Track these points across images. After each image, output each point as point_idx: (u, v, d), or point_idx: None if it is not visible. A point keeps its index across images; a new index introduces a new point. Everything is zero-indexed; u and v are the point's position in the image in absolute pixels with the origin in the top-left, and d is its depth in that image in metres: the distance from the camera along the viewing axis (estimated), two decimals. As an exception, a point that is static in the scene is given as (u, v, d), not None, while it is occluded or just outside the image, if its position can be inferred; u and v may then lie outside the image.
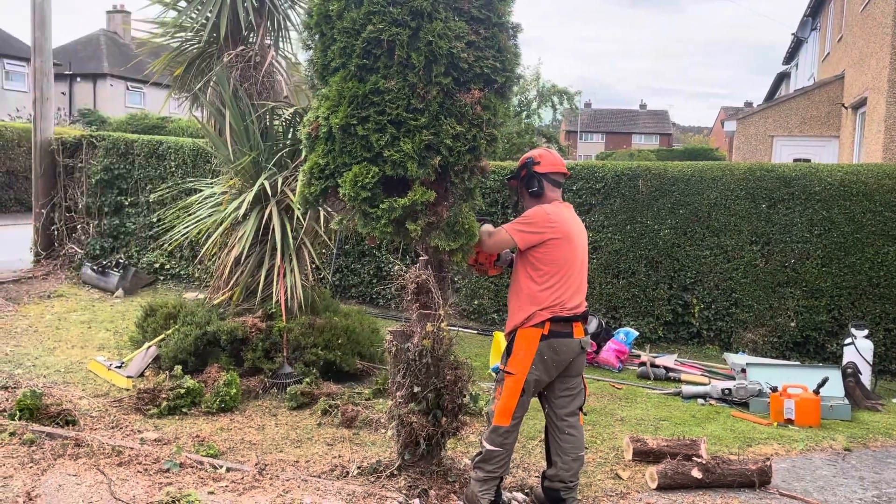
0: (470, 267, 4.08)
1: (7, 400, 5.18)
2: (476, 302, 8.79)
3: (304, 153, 3.91)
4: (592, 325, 7.61)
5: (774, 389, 5.99)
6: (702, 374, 7.09)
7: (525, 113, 20.23)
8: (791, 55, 25.51)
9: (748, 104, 49.89)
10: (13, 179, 18.57)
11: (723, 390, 6.32)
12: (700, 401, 6.37)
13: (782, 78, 27.94)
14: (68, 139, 10.65)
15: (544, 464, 4.10)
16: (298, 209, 6.09)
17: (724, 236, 7.94)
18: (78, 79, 35.49)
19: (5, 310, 8.35)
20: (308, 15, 3.85)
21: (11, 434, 4.49)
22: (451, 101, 3.64)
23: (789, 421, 5.81)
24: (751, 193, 7.86)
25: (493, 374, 5.69)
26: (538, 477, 4.17)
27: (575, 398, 3.90)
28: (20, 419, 4.75)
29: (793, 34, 22.74)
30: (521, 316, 3.78)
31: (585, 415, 4.04)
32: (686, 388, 6.54)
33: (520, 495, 4.06)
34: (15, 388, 5.55)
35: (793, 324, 7.72)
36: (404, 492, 3.97)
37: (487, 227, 3.97)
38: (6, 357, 6.50)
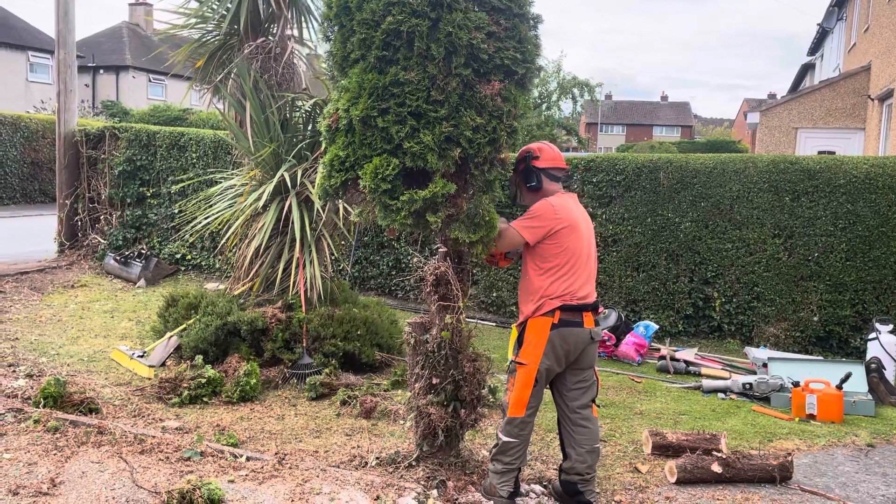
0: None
1: (32, 388, 5.26)
2: (495, 294, 8.78)
3: (324, 145, 3.91)
4: (612, 318, 7.58)
5: (796, 384, 5.93)
6: (722, 369, 7.03)
7: (545, 105, 20.09)
8: (816, 46, 25.12)
9: (772, 96, 49.21)
10: (38, 171, 18.84)
11: (744, 385, 6.27)
12: (720, 395, 6.32)
13: (807, 69, 27.53)
14: (91, 131, 10.76)
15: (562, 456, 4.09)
16: (318, 201, 6.14)
17: (747, 229, 7.85)
18: (101, 71, 35.84)
19: (30, 299, 8.48)
20: (328, 6, 3.84)
21: (36, 421, 4.56)
22: (471, 93, 3.62)
23: (811, 416, 5.74)
24: (774, 186, 7.76)
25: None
26: (556, 469, 4.16)
27: (587, 390, 3.88)
28: (44, 407, 4.82)
29: (818, 24, 22.39)
30: (531, 306, 3.79)
31: (599, 407, 4.03)
32: (706, 383, 6.49)
33: (538, 487, 4.06)
34: (39, 376, 5.64)
35: (816, 318, 7.63)
36: (422, 482, 3.98)
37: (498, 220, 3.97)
38: (31, 345, 6.60)
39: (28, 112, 22.51)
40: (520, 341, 3.84)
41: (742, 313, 7.90)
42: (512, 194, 4.15)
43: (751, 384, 6.23)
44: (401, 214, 3.64)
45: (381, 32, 3.59)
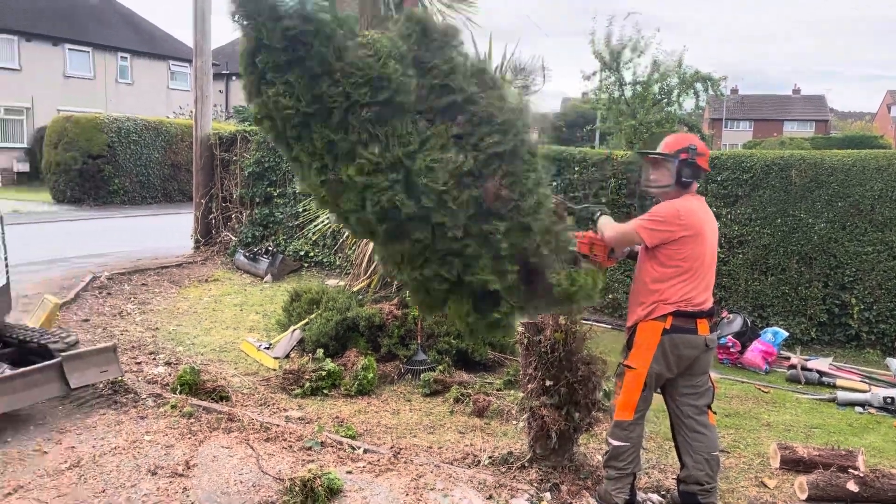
0: (584, 257, 3.97)
1: (170, 375, 5.66)
2: (610, 296, 8.58)
3: None
4: (737, 323, 7.23)
5: (948, 401, 5.42)
6: (860, 381, 6.53)
7: (665, 101, 19.36)
8: (975, 29, 22.81)
9: (920, 85, 45.16)
10: (177, 172, 20.26)
11: (885, 398, 5.80)
12: (858, 409, 5.87)
13: (963, 55, 25.05)
14: (225, 134, 11.44)
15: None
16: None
17: (890, 231, 7.24)
18: (234, 77, 37.96)
19: (169, 292, 9.12)
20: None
21: (173, 406, 4.90)
22: None
23: (965, 437, 5.23)
24: (923, 184, 7.12)
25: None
26: (675, 479, 4.02)
27: (701, 396, 3.73)
28: (181, 393, 5.17)
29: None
30: (642, 310, 3.68)
31: (715, 413, 3.84)
32: (842, 395, 6.05)
33: (655, 497, 3.94)
34: (177, 364, 6.05)
35: (971, 329, 6.93)
36: (535, 485, 3.95)
37: (607, 219, 3.86)
38: (169, 335, 7.10)
39: (168, 117, 24.23)
40: (629, 344, 3.74)
41: (884, 321, 7.30)
42: (646, 177, 3.89)
43: (893, 398, 5.75)
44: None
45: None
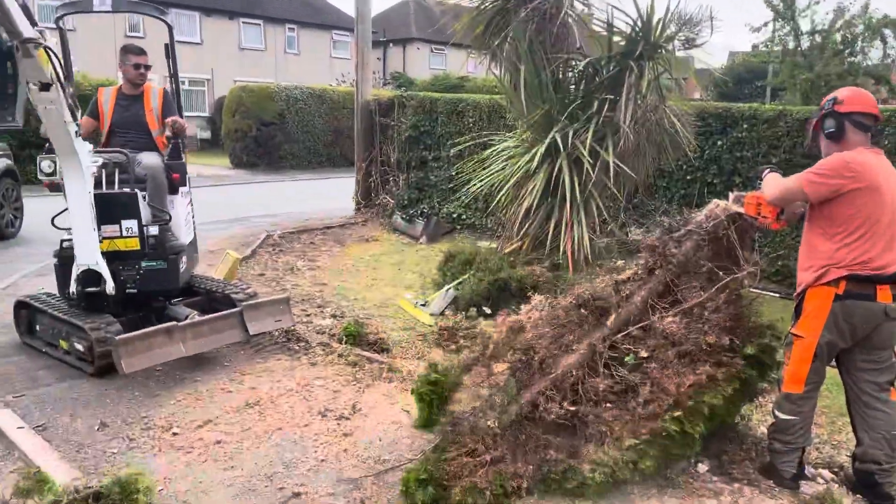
0: (752, 219, 3.74)
1: (335, 326, 6.05)
2: (780, 262, 8.04)
3: None
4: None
5: None
6: None
7: (848, 51, 17.40)
8: None
9: None
10: (338, 137, 21.28)
11: None
12: None
13: None
14: (383, 100, 11.83)
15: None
16: (588, 162, 6.13)
17: None
18: (390, 44, 39.00)
19: (334, 250, 9.69)
20: None
21: (339, 355, 5.25)
22: None
23: None
24: None
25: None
26: (849, 456, 3.76)
27: (882, 372, 3.43)
28: (346, 343, 5.52)
29: None
30: (811, 274, 3.41)
31: None
32: None
33: (826, 473, 3.71)
34: (341, 316, 6.45)
35: None
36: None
37: (773, 176, 3.61)
38: (335, 290, 7.55)
39: (331, 85, 25.41)
40: (797, 312, 3.51)
41: None
42: (809, 147, 3.71)
43: None
44: None
45: None
